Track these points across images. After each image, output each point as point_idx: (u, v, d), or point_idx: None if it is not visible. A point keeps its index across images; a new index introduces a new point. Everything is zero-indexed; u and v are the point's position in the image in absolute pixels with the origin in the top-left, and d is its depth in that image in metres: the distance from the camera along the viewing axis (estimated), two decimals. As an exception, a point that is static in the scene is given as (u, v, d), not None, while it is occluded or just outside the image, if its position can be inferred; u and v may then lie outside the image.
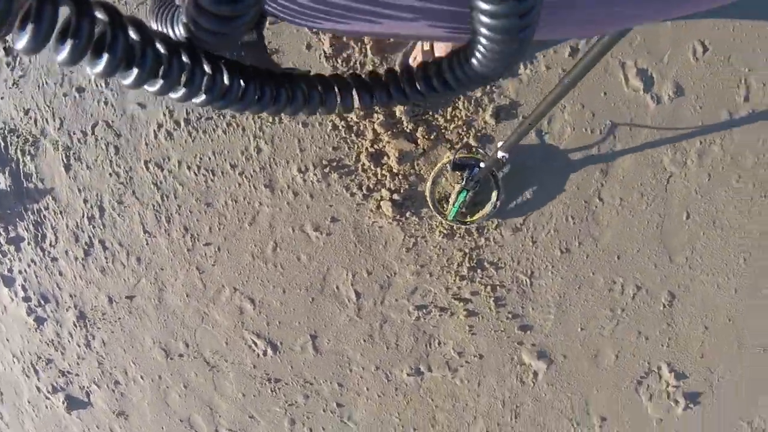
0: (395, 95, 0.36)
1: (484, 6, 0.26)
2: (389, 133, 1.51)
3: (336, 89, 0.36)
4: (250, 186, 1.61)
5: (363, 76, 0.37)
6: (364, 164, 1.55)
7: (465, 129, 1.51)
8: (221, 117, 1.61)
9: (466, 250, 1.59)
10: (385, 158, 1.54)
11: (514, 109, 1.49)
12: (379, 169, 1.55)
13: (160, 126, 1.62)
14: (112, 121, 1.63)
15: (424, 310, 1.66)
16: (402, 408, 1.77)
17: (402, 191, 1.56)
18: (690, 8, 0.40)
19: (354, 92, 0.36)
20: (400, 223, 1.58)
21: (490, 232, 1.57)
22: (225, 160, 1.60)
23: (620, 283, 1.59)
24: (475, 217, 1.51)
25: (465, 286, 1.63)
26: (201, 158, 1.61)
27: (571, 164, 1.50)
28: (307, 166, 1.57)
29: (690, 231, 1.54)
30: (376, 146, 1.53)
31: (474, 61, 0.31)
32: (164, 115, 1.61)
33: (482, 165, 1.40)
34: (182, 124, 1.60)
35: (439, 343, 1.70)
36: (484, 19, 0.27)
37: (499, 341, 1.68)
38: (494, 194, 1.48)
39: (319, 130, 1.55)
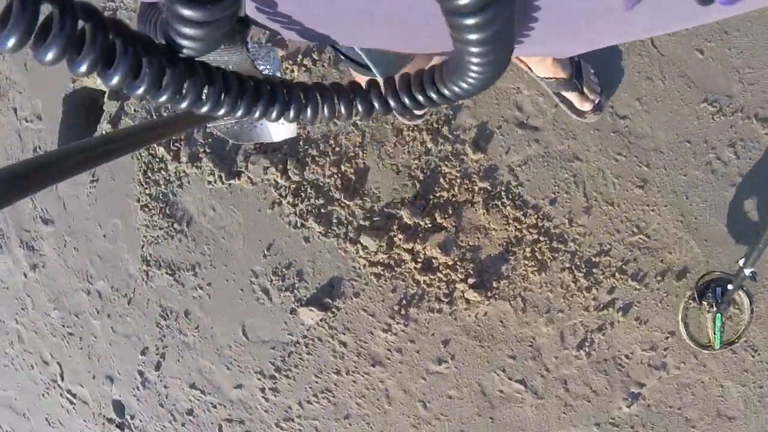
0: (379, 106, 0.36)
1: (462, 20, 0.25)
2: (418, 241, 1.49)
3: (319, 96, 0.35)
4: (362, 376, 1.60)
5: (343, 84, 0.37)
6: (425, 281, 1.51)
7: (467, 182, 1.46)
8: (298, 345, 1.64)
9: (570, 266, 1.47)
10: (434, 261, 1.50)
11: (486, 134, 1.44)
12: (438, 274, 1.50)
13: (263, 390, 1.67)
14: (231, 416, 1.71)
15: (587, 344, 1.52)
16: (655, 436, 1.57)
17: (472, 272, 1.49)
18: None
19: (337, 100, 0.36)
20: (496, 296, 1.50)
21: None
22: (327, 373, 1.61)
23: None
24: (740, 334, 1.42)
25: (597, 291, 1.49)
26: (310, 388, 1.63)
27: None
28: (388, 323, 1.55)
29: None
30: (419, 260, 1.50)
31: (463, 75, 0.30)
32: (259, 379, 1.67)
33: (730, 286, 1.34)
34: (276, 375, 1.64)
35: (627, 357, 1.52)
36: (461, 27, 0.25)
37: (665, 308, 1.49)
38: (746, 302, 1.40)
39: (373, 287, 1.55)
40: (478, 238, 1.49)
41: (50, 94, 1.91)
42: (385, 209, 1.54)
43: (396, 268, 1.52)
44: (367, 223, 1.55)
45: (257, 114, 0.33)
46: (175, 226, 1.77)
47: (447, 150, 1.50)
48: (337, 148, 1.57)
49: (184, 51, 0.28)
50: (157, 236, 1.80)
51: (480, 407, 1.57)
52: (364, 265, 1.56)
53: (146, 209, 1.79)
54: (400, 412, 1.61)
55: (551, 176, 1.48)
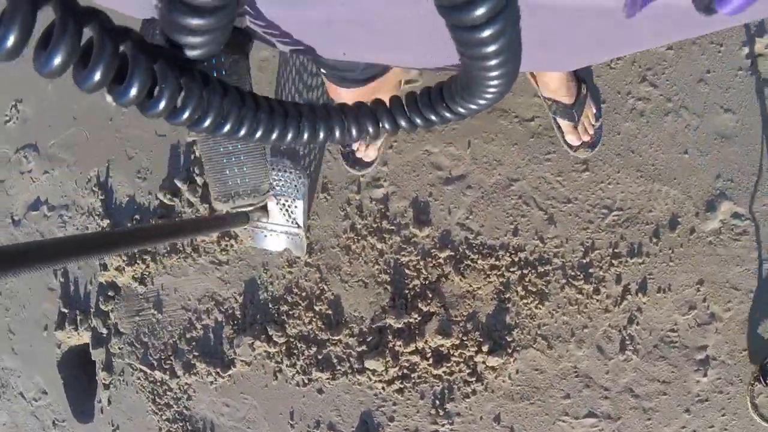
0: (405, 123, 0.35)
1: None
2: (417, 339, 1.41)
3: (344, 117, 0.34)
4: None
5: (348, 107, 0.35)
6: (444, 372, 1.42)
7: (430, 259, 1.40)
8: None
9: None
10: (442, 348, 1.42)
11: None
12: (453, 359, 1.42)
13: None
14: None
15: (627, 342, 1.42)
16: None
17: (482, 339, 1.41)
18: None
19: (364, 119, 0.34)
20: (517, 348, 1.41)
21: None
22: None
23: None
24: None
25: (607, 288, 1.40)
26: None
27: None
28: (435, 429, 1.45)
29: None
30: (428, 356, 1.42)
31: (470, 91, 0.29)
32: None
33: None
34: None
35: (673, 330, 1.42)
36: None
37: (678, 263, 1.40)
38: None
39: (402, 404, 1.46)
40: (469, 304, 1.42)
41: (44, 367, 1.89)
42: (373, 325, 1.48)
43: (412, 375, 1.44)
44: (363, 347, 1.48)
45: (289, 137, 0.32)
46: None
47: (397, 241, 1.45)
48: (303, 293, 1.53)
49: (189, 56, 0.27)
50: (188, 456, 1.72)
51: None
52: (383, 388, 1.48)
53: (168, 437, 1.73)
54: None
55: (501, 210, 1.42)
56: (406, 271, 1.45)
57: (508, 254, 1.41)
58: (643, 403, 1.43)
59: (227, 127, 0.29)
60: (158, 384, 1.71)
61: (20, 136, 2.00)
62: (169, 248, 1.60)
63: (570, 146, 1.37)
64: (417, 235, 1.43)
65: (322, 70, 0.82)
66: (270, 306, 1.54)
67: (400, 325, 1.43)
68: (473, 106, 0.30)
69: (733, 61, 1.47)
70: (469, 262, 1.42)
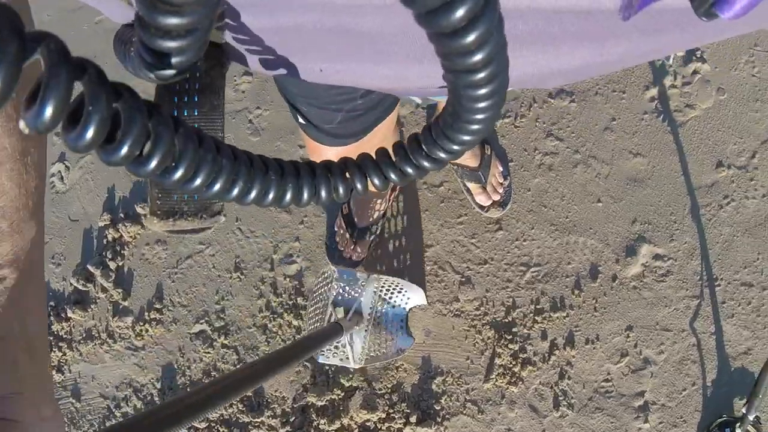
0: (412, 170, 0.32)
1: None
2: (342, 415, 1.36)
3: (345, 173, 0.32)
4: None
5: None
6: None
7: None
8: None
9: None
10: (369, 423, 1.37)
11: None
12: (382, 434, 1.37)
13: None
14: None
15: (561, 398, 1.38)
16: None
17: (409, 410, 1.36)
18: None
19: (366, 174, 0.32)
20: (446, 416, 1.37)
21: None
22: None
23: None
24: None
25: (533, 345, 1.37)
26: None
27: None
28: None
29: None
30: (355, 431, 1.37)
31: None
32: None
33: (738, 430, 1.28)
34: None
35: (606, 380, 1.39)
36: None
37: (603, 313, 1.38)
38: (752, 428, 1.31)
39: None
40: (393, 375, 1.37)
41: None
42: (295, 405, 1.42)
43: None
44: (287, 428, 1.42)
45: (288, 197, 0.30)
46: None
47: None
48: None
49: (166, 69, 0.25)
50: None
51: None
52: (313, 469, 1.41)
53: None
54: None
55: (419, 276, 1.39)
56: (328, 344, 1.40)
57: (428, 320, 1.38)
58: (583, 461, 1.39)
59: (199, 181, 0.26)
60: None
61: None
62: (84, 335, 1.54)
63: (481, 207, 1.36)
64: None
65: (300, 120, 0.76)
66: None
67: (323, 403, 1.38)
68: (465, 137, 0.28)
69: (637, 106, 1.48)
70: (390, 332, 1.38)
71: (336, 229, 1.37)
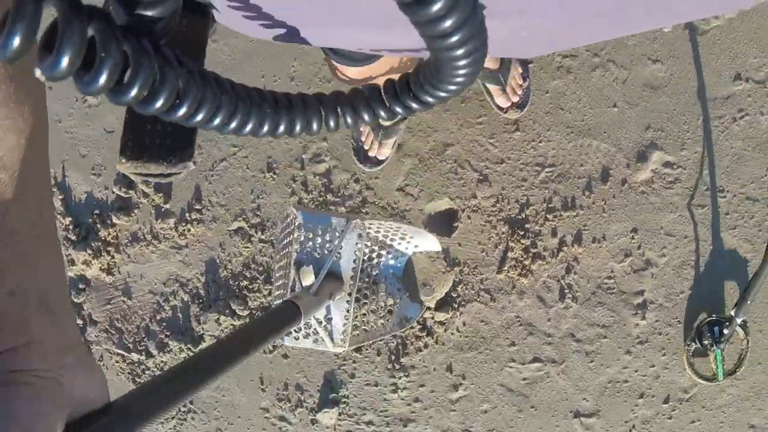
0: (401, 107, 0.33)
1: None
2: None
3: (337, 106, 0.33)
4: (404, 439, 1.59)
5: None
6: (395, 329, 1.52)
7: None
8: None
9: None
10: (392, 307, 1.51)
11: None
12: None
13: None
14: None
15: (566, 290, 1.49)
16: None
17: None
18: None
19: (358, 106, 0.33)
20: (462, 303, 1.49)
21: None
22: (375, 456, 1.61)
23: None
24: (743, 362, 1.42)
25: (543, 241, 1.47)
26: (371, 477, 1.63)
27: None
28: (393, 383, 1.55)
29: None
30: (379, 314, 1.51)
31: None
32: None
33: (725, 330, 1.37)
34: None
35: (609, 277, 1.49)
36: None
37: (611, 214, 1.46)
38: (741, 333, 1.41)
39: (360, 362, 1.55)
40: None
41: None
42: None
43: (366, 334, 1.53)
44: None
45: (281, 129, 0.31)
46: (182, 409, 1.82)
47: (342, 212, 1.52)
48: (260, 268, 1.62)
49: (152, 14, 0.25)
50: (174, 426, 1.85)
51: (516, 404, 1.55)
52: (340, 348, 1.57)
53: (148, 413, 1.84)
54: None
55: (438, 175, 1.49)
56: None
57: (447, 215, 1.48)
58: (585, 346, 1.51)
59: (201, 116, 0.26)
60: (136, 365, 1.83)
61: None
62: (130, 238, 1.69)
63: (500, 108, 1.43)
64: (360, 205, 1.51)
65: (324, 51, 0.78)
66: (231, 282, 1.64)
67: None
68: (449, 87, 0.30)
69: (658, 13, 1.50)
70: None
71: (362, 128, 1.46)
